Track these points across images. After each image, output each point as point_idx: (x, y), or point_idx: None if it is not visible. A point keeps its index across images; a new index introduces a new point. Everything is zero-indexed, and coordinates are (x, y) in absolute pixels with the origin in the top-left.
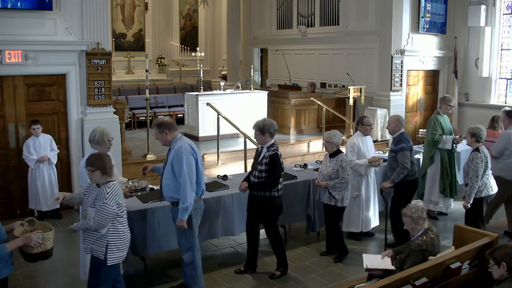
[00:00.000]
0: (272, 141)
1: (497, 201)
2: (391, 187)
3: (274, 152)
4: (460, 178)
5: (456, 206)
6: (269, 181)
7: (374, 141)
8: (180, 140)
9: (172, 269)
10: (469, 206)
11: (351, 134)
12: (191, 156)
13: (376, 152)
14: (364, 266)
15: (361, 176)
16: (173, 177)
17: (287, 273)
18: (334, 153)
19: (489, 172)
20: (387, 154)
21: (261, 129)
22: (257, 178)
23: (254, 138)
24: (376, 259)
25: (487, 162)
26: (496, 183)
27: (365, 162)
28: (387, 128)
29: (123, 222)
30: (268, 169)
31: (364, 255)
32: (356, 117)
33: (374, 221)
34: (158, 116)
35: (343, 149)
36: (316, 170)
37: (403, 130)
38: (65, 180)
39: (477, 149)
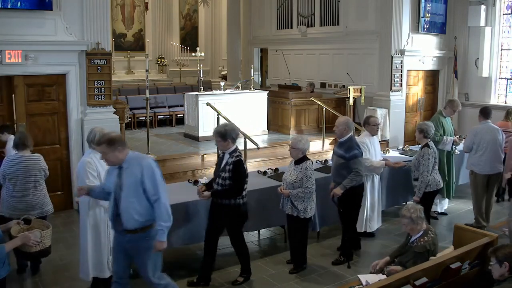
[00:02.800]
0: (235, 147)
1: (478, 197)
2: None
3: (237, 158)
4: (457, 180)
5: (456, 206)
6: (234, 188)
7: None
8: (136, 155)
9: (172, 269)
10: (419, 200)
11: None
12: (159, 169)
13: None
14: (364, 283)
15: (366, 176)
16: (142, 197)
17: (250, 279)
18: (299, 160)
19: (436, 167)
20: (387, 154)
21: (223, 134)
22: (220, 185)
23: (216, 144)
24: (371, 277)
25: (435, 157)
26: (470, 177)
27: (382, 165)
28: (333, 130)
29: (10, 188)
30: (232, 176)
31: (359, 276)
32: (356, 117)
33: (378, 222)
34: (158, 116)
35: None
36: (316, 170)
37: (351, 134)
38: (65, 180)
39: (427, 145)
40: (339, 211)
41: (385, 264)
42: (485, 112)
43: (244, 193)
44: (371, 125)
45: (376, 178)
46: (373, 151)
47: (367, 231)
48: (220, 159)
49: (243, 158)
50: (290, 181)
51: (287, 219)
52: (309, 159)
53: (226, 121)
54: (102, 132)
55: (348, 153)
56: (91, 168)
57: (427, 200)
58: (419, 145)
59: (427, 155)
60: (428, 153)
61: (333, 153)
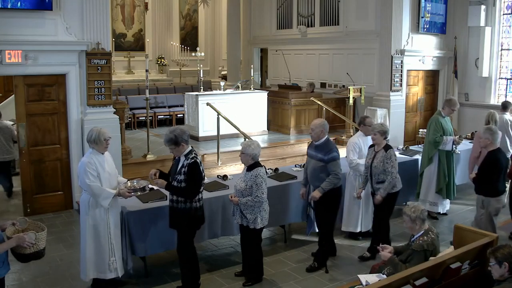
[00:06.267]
0: (189, 148)
1: None
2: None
3: (193, 160)
4: (457, 179)
5: (456, 207)
6: (189, 189)
7: None
8: None
9: (172, 269)
10: (381, 199)
11: (351, 134)
12: None
13: None
14: (364, 283)
15: (360, 176)
16: None
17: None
18: (251, 167)
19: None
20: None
21: (175, 141)
22: None
23: (171, 152)
24: (371, 277)
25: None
26: None
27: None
28: (309, 133)
29: None
30: (187, 179)
31: (359, 276)
32: (356, 117)
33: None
34: (158, 116)
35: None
36: None
37: (327, 136)
38: (65, 180)
39: (389, 146)
40: (316, 215)
41: (390, 251)
42: (504, 105)
43: (200, 195)
44: (366, 126)
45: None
46: (365, 151)
47: (362, 230)
48: (175, 161)
49: (199, 160)
50: (239, 188)
51: (239, 229)
52: (261, 166)
53: (175, 127)
54: (99, 132)
55: (327, 156)
56: (91, 168)
57: (392, 200)
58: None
59: (393, 156)
60: (394, 154)
61: (309, 156)
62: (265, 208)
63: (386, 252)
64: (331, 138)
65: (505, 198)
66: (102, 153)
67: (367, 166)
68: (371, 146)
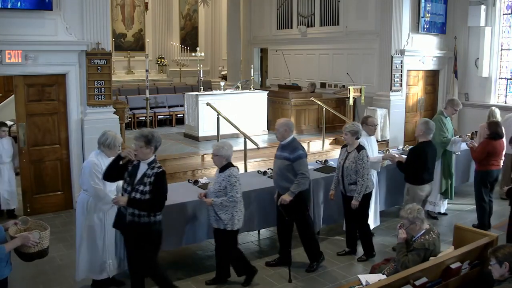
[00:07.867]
0: (153, 157)
1: None
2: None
3: (161, 170)
4: (455, 181)
5: (455, 207)
6: (156, 201)
7: None
8: None
9: (172, 269)
10: (358, 204)
11: None
12: None
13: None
14: (364, 283)
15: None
16: None
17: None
18: (223, 168)
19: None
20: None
21: (149, 140)
22: None
23: (136, 150)
24: (371, 277)
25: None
26: None
27: (379, 159)
28: (275, 133)
29: None
30: (153, 190)
31: (359, 276)
32: (356, 117)
33: (376, 221)
34: (158, 116)
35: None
36: (316, 170)
37: (293, 136)
38: (65, 180)
39: (362, 147)
40: (283, 219)
41: (403, 233)
42: None
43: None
44: (369, 125)
45: (373, 177)
46: (370, 151)
47: None
48: (133, 167)
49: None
50: (213, 190)
51: (214, 233)
52: (234, 166)
53: (155, 130)
54: (115, 138)
55: (293, 154)
56: (97, 170)
57: (366, 202)
58: (346, 146)
59: (366, 158)
60: (366, 155)
61: (275, 157)
62: (240, 209)
63: (404, 235)
64: (332, 138)
65: (429, 188)
66: (109, 157)
67: (338, 167)
68: (343, 147)
